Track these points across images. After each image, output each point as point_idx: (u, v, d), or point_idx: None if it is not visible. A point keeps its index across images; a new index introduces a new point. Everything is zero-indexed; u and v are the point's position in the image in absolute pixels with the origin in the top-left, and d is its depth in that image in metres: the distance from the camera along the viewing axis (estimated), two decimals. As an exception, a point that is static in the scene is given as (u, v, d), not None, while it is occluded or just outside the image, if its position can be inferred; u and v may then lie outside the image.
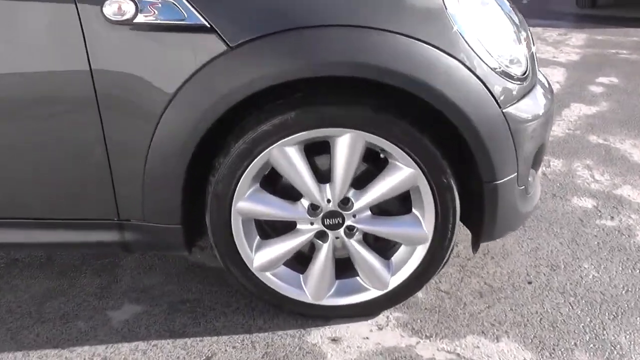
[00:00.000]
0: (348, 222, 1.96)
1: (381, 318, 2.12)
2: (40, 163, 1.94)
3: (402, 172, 1.87)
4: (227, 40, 1.72)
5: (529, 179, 2.11)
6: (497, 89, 1.84)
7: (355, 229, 1.97)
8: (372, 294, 2.07)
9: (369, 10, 1.75)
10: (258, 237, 2.02)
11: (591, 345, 1.97)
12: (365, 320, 2.11)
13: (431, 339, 2.02)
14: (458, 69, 1.78)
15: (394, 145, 1.82)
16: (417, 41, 1.75)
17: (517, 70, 1.94)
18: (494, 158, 1.85)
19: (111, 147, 1.86)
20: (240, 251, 1.99)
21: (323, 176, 1.93)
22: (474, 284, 2.30)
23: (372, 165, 1.98)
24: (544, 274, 2.35)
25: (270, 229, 2.09)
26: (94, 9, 1.72)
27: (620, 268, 2.37)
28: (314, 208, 1.95)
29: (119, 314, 2.20)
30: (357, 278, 2.08)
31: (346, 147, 1.83)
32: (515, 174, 1.94)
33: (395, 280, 2.05)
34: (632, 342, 1.98)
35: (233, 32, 1.73)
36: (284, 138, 1.81)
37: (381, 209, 2.03)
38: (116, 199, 1.95)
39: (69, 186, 1.96)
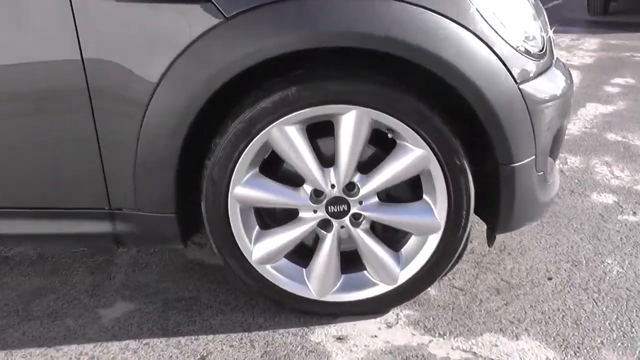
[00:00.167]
0: (354, 210, 1.82)
1: (390, 316, 1.97)
2: (25, 148, 1.81)
3: (412, 154, 1.73)
4: (222, 11, 1.60)
5: (548, 167, 1.96)
6: (512, 64, 1.71)
7: (361, 217, 1.83)
8: (380, 289, 1.92)
9: (375, -23, 1.62)
10: (258, 227, 1.89)
11: (619, 344, 1.81)
12: (373, 318, 1.96)
13: (445, 337, 1.87)
14: (471, 41, 1.65)
15: (402, 124, 1.69)
16: (427, 10, 1.62)
17: (533, 47, 1.81)
18: (510, 137, 1.71)
19: (101, 128, 1.74)
20: (238, 242, 1.85)
21: (327, 161, 1.80)
22: (490, 281, 2.14)
23: (380, 148, 1.84)
24: (565, 270, 2.19)
25: (270, 219, 1.94)
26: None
27: (647, 264, 2.22)
28: (317, 194, 1.81)
29: (110, 312, 2.06)
30: (365, 272, 1.93)
31: (351, 125, 1.69)
32: (534, 157, 1.80)
33: (405, 274, 1.90)
34: (664, 340, 1.82)
35: (229, 1, 1.60)
36: (284, 116, 1.68)
37: (389, 196, 1.89)
38: (107, 185, 1.83)
39: (57, 172, 1.83)
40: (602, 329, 1.88)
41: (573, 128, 3.70)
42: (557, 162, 2.18)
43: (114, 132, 1.73)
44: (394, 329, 1.91)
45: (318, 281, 1.90)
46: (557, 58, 2.06)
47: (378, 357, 1.79)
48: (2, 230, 1.94)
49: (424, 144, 1.71)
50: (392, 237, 1.92)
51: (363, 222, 1.84)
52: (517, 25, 1.77)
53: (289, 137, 1.71)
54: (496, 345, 1.82)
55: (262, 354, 1.82)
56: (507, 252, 2.32)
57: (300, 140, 1.73)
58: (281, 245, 1.86)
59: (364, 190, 1.79)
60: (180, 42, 1.63)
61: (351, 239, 1.87)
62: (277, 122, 1.69)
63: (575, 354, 1.77)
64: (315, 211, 1.82)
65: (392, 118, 1.68)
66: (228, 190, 1.78)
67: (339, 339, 1.88)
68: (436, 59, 1.62)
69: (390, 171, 1.76)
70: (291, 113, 1.68)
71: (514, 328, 1.89)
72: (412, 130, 1.69)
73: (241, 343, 1.88)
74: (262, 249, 1.87)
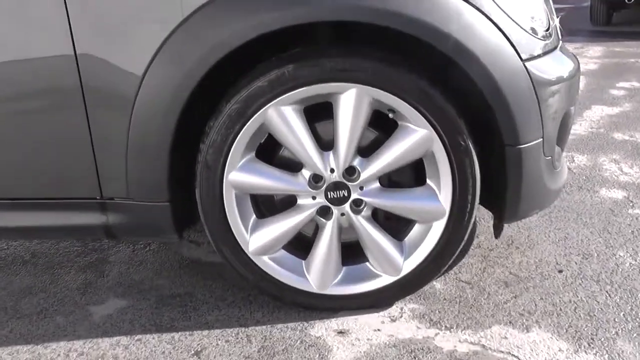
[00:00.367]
0: (354, 196, 1.74)
1: (394, 309, 1.88)
2: (12, 134, 1.75)
3: (414, 135, 1.66)
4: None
5: (555, 154, 1.88)
6: (518, 41, 1.64)
7: (362, 204, 1.75)
8: (383, 280, 1.84)
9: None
10: (254, 216, 1.81)
11: (635, 335, 1.72)
12: (376, 312, 1.87)
13: (452, 330, 1.78)
14: (475, 16, 1.59)
15: (403, 102, 1.62)
16: (427, -17, 1.56)
17: (539, 26, 1.75)
18: (517, 115, 1.64)
19: (91, 110, 1.67)
20: (234, 231, 1.78)
21: (326, 146, 1.72)
22: (498, 274, 2.05)
23: (381, 132, 1.77)
24: (576, 263, 2.10)
25: (266, 208, 1.87)
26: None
27: (661, 256, 2.13)
28: (316, 180, 1.73)
29: (102, 309, 1.98)
30: (367, 264, 1.85)
31: (350, 105, 1.62)
32: (541, 139, 1.73)
33: (409, 265, 1.81)
34: (683, 331, 1.72)
35: (223, -25, 1.55)
36: (281, 96, 1.61)
37: (391, 181, 1.81)
38: (98, 172, 1.76)
39: (46, 160, 1.76)
40: (616, 320, 1.78)
41: (579, 128, 3.63)
42: (564, 154, 2.11)
43: (105, 114, 1.67)
44: (398, 323, 1.82)
45: (318, 273, 1.82)
46: (562, 44, 2.00)
47: (381, 351, 1.70)
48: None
49: (427, 123, 1.63)
50: (394, 226, 1.84)
51: (364, 209, 1.76)
52: (522, 3, 1.71)
53: (285, 118, 1.64)
54: (506, 338, 1.73)
55: (259, 349, 1.74)
56: (514, 246, 2.23)
57: (298, 121, 1.66)
58: (279, 235, 1.78)
59: (364, 175, 1.71)
60: (172, 18, 1.57)
61: (352, 227, 1.79)
62: (273, 102, 1.62)
63: (590, 345, 1.68)
64: (314, 198, 1.74)
65: (393, 96, 1.61)
66: (223, 176, 1.70)
67: (340, 333, 1.79)
68: (437, 33, 1.55)
69: (392, 154, 1.69)
70: (288, 92, 1.61)
71: (524, 320, 1.80)
72: (414, 109, 1.62)
73: (237, 338, 1.79)
74: (259, 239, 1.79)
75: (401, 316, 1.85)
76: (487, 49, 1.59)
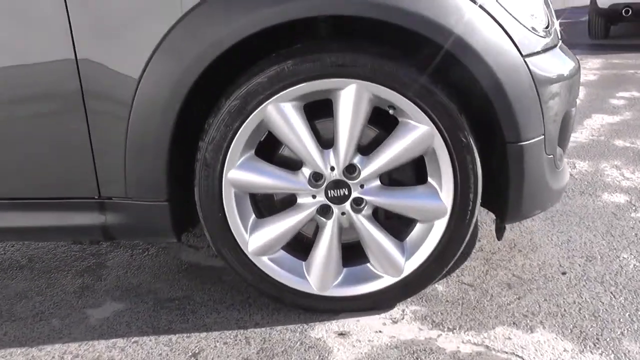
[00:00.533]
0: (355, 194, 1.72)
1: (395, 311, 1.85)
2: (9, 132, 1.73)
3: (415, 131, 1.64)
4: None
5: (557, 154, 1.87)
6: (518, 37, 1.64)
7: (363, 203, 1.73)
8: (384, 281, 1.81)
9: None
10: (254, 215, 1.78)
11: (642, 335, 1.69)
12: (377, 314, 1.84)
13: (455, 331, 1.74)
14: (475, 11, 1.58)
15: (404, 98, 1.60)
16: (428, -21, 1.55)
17: (538, 24, 1.75)
18: (517, 112, 1.62)
19: (90, 107, 1.65)
20: (233, 231, 1.75)
21: (326, 144, 1.71)
22: (500, 276, 2.02)
23: (382, 130, 1.75)
24: (579, 265, 2.07)
25: (266, 209, 1.84)
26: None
27: (666, 258, 2.10)
28: (316, 178, 1.71)
29: (99, 312, 1.95)
30: (367, 265, 1.82)
31: (350, 101, 1.61)
32: (542, 136, 1.71)
33: (410, 265, 1.79)
34: (690, 331, 1.69)
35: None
36: (280, 92, 1.60)
37: (392, 180, 1.79)
38: (96, 171, 1.73)
39: (44, 159, 1.74)
40: (621, 320, 1.75)
41: (580, 136, 3.62)
42: (565, 160, 2.09)
43: (103, 112, 1.65)
44: (400, 324, 1.79)
45: (318, 274, 1.79)
46: (562, 44, 1.99)
47: (383, 352, 1.67)
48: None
49: (428, 120, 1.62)
50: (395, 226, 1.82)
51: (365, 208, 1.74)
52: (522, 1, 1.71)
53: (285, 115, 1.63)
54: (509, 338, 1.70)
55: (258, 351, 1.70)
56: (517, 249, 2.21)
57: (298, 118, 1.64)
58: (279, 235, 1.76)
59: (365, 173, 1.69)
60: (171, 14, 1.56)
61: (353, 227, 1.76)
62: (272, 98, 1.60)
63: (595, 345, 1.65)
64: (314, 196, 1.72)
65: (393, 92, 1.59)
66: (222, 174, 1.68)
67: (341, 334, 1.76)
68: (438, 28, 1.54)
69: (393, 151, 1.67)
70: (287, 88, 1.60)
71: (528, 321, 1.77)
72: (414, 105, 1.60)
73: (236, 340, 1.76)
74: (259, 239, 1.76)
75: (403, 318, 1.82)
76: (488, 44, 1.58)
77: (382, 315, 1.83)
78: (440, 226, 1.74)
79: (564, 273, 2.02)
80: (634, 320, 1.75)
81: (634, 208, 2.52)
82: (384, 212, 1.82)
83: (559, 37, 1.97)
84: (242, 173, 1.69)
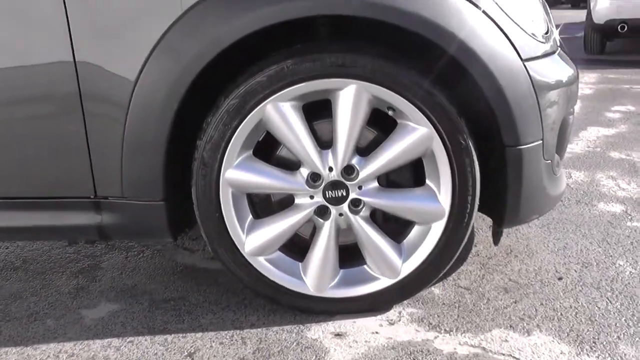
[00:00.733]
0: (353, 195, 1.72)
1: (392, 313, 1.85)
2: (6, 132, 1.72)
3: (414, 133, 1.65)
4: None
5: (555, 161, 1.88)
6: (518, 41, 1.65)
7: (361, 204, 1.73)
8: (381, 283, 1.80)
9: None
10: (251, 216, 1.78)
11: (637, 339, 1.69)
12: (374, 316, 1.84)
13: (451, 333, 1.74)
14: (475, 14, 1.60)
15: (403, 100, 1.61)
16: (428, -19, 1.56)
17: (538, 29, 1.76)
18: (517, 115, 1.63)
19: (87, 107, 1.65)
20: (230, 231, 1.75)
21: (324, 145, 1.71)
22: (497, 280, 2.02)
23: (380, 132, 1.76)
24: (575, 271, 2.07)
25: (262, 211, 1.84)
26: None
27: (661, 265, 2.10)
28: (314, 179, 1.71)
29: (94, 312, 1.94)
30: (364, 266, 1.82)
31: (350, 102, 1.62)
32: (541, 141, 1.72)
33: (407, 267, 1.79)
34: (686, 336, 1.69)
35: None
36: (280, 91, 1.60)
37: (390, 182, 1.79)
38: (93, 171, 1.73)
39: (40, 159, 1.74)
40: (617, 324, 1.75)
41: (576, 147, 3.63)
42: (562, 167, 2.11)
43: (101, 111, 1.65)
44: (397, 326, 1.78)
45: (315, 275, 1.79)
46: (561, 51, 2.01)
47: (380, 353, 1.66)
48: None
49: (427, 121, 1.62)
50: (393, 228, 1.82)
51: (363, 209, 1.74)
52: (521, 5, 1.72)
53: (284, 114, 1.63)
54: (506, 341, 1.69)
55: (254, 351, 1.69)
56: (513, 254, 2.21)
57: (296, 118, 1.64)
58: (276, 235, 1.76)
59: (363, 174, 1.70)
60: (171, 12, 1.57)
61: (350, 228, 1.76)
62: (271, 97, 1.61)
63: (592, 349, 1.65)
64: (312, 197, 1.72)
65: (392, 93, 1.60)
66: (220, 174, 1.69)
67: (338, 335, 1.75)
68: (437, 29, 1.55)
69: (392, 152, 1.67)
70: (287, 88, 1.60)
71: (525, 324, 1.77)
72: (414, 107, 1.61)
73: (232, 340, 1.75)
74: (256, 239, 1.76)
75: (399, 320, 1.81)
76: (488, 47, 1.59)
77: (379, 316, 1.83)
78: (437, 229, 1.75)
79: (560, 278, 2.03)
80: (630, 325, 1.75)
81: (629, 217, 2.53)
82: (382, 214, 1.82)
83: (558, 44, 1.98)
84: (239, 173, 1.69)
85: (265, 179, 1.71)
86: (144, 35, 1.58)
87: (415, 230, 1.79)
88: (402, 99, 1.61)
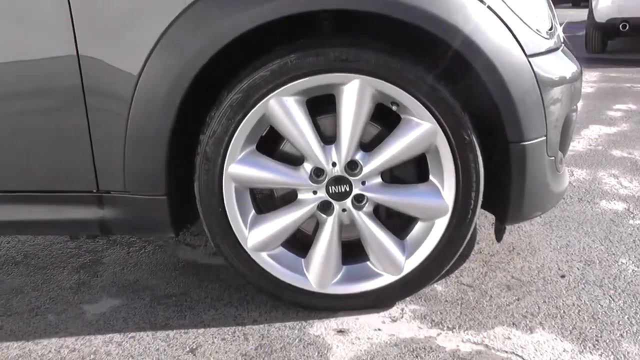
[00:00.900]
0: (356, 191, 1.71)
1: (394, 310, 1.84)
2: (9, 125, 1.71)
3: (418, 128, 1.64)
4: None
5: (558, 158, 1.87)
6: (522, 37, 1.64)
7: (364, 200, 1.72)
8: (384, 280, 1.80)
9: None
10: (254, 211, 1.77)
11: (641, 337, 1.68)
12: (377, 312, 1.83)
13: (454, 330, 1.74)
14: (480, 9, 1.59)
15: (407, 95, 1.60)
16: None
17: (542, 25, 1.76)
18: (521, 111, 1.62)
19: (90, 102, 1.64)
20: (232, 226, 1.74)
21: (328, 141, 1.70)
22: (500, 278, 2.02)
23: (384, 128, 1.75)
24: (578, 269, 2.07)
25: (265, 207, 1.83)
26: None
27: (664, 264, 2.10)
28: (317, 174, 1.71)
29: (95, 308, 1.93)
30: (367, 263, 1.81)
31: (353, 97, 1.61)
32: (545, 137, 1.71)
33: (410, 264, 1.78)
34: (690, 334, 1.69)
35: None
36: (283, 86, 1.60)
37: (394, 177, 1.79)
38: (95, 165, 1.72)
39: (43, 153, 1.73)
40: (620, 322, 1.75)
41: (578, 146, 3.63)
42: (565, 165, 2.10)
43: (103, 104, 1.64)
44: (399, 323, 1.78)
45: (318, 271, 1.78)
46: (565, 48, 2.00)
47: (382, 350, 1.66)
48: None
49: (431, 117, 1.62)
50: (396, 224, 1.81)
51: (366, 205, 1.73)
52: (526, 1, 1.72)
53: (287, 109, 1.62)
54: (509, 338, 1.69)
55: (256, 347, 1.69)
56: (516, 252, 2.20)
57: (300, 113, 1.64)
58: (279, 230, 1.75)
59: (367, 169, 1.69)
60: (174, 7, 1.56)
61: (353, 224, 1.75)
62: (275, 92, 1.60)
63: (594, 346, 1.64)
64: (315, 192, 1.72)
65: (396, 88, 1.60)
66: (223, 168, 1.68)
67: (340, 332, 1.75)
68: (442, 24, 1.54)
69: (395, 147, 1.67)
70: (290, 82, 1.59)
71: (528, 322, 1.76)
72: (418, 102, 1.60)
73: (234, 336, 1.74)
74: (259, 235, 1.75)
75: (402, 316, 1.81)
76: (493, 43, 1.58)
77: (381, 313, 1.83)
78: (441, 225, 1.74)
79: (562, 276, 2.02)
80: (633, 323, 1.74)
81: (632, 215, 2.52)
82: (385, 210, 1.82)
83: (562, 40, 1.98)
84: (243, 168, 1.68)
85: (268, 173, 1.70)
86: (147, 30, 1.58)
87: (418, 227, 1.78)
88: (406, 94, 1.60)
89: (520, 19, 1.65)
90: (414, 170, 1.79)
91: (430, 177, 1.72)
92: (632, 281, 1.98)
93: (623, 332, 1.70)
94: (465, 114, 1.63)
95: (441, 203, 1.71)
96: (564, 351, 1.63)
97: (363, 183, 1.71)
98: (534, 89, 1.64)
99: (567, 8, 19.74)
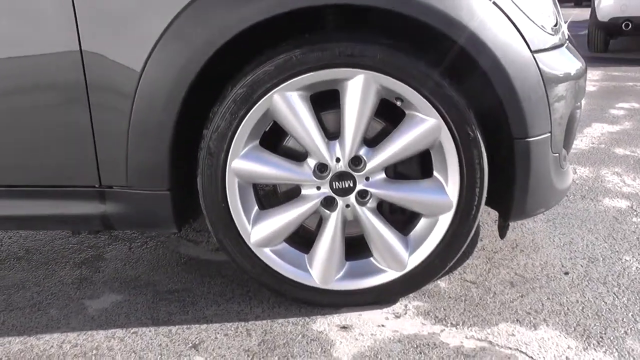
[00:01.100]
0: (360, 187, 1.71)
1: (398, 306, 1.84)
2: (11, 120, 1.71)
3: (423, 124, 1.63)
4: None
5: (562, 155, 1.86)
6: (527, 33, 1.63)
7: (368, 195, 1.72)
8: (387, 276, 1.79)
9: None
10: (257, 207, 1.77)
11: (645, 334, 1.68)
12: (380, 309, 1.83)
13: (458, 327, 1.73)
14: (485, 5, 1.58)
15: (412, 90, 1.59)
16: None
17: (547, 21, 1.75)
18: (525, 107, 1.62)
19: (92, 92, 1.64)
20: (235, 221, 1.73)
21: (332, 137, 1.70)
22: (503, 275, 2.01)
23: (388, 123, 1.74)
24: (582, 266, 2.06)
25: (268, 202, 1.82)
26: None
27: (668, 261, 2.09)
28: (321, 170, 1.70)
29: (97, 303, 1.93)
30: (371, 259, 1.81)
31: (358, 92, 1.60)
32: (549, 134, 1.70)
33: (414, 260, 1.77)
34: (694, 331, 1.68)
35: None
36: (288, 81, 1.59)
37: (397, 173, 1.78)
38: (98, 160, 1.71)
39: (44, 147, 1.72)
40: (625, 319, 1.74)
41: (580, 144, 3.62)
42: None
43: (106, 96, 1.63)
44: (403, 319, 1.77)
45: (321, 267, 1.77)
46: (569, 45, 2.00)
47: (386, 346, 1.65)
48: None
49: (435, 112, 1.61)
50: (400, 220, 1.81)
51: (370, 201, 1.72)
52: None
53: (292, 104, 1.62)
54: (513, 335, 1.68)
55: (259, 343, 1.68)
56: (519, 249, 2.20)
57: (304, 108, 1.63)
58: (282, 226, 1.74)
59: (370, 165, 1.68)
60: (178, 1, 1.55)
61: (357, 220, 1.75)
62: (279, 87, 1.59)
63: (599, 343, 1.64)
64: (318, 188, 1.71)
65: (401, 84, 1.59)
66: (226, 163, 1.67)
67: (343, 328, 1.74)
68: (448, 20, 1.53)
69: (400, 143, 1.66)
70: (295, 77, 1.59)
71: (532, 318, 1.76)
72: (422, 98, 1.60)
73: (237, 332, 1.74)
74: (262, 230, 1.75)
75: (405, 313, 1.80)
76: (498, 38, 1.57)
77: (385, 309, 1.82)
78: (445, 221, 1.73)
79: (566, 273, 2.01)
80: (637, 320, 1.74)
81: (635, 213, 2.52)
82: (389, 206, 1.81)
83: (566, 37, 1.97)
84: (246, 163, 1.68)
85: (271, 169, 1.70)
86: (151, 24, 1.57)
87: (422, 223, 1.78)
88: (410, 89, 1.59)
89: (526, 15, 1.64)
90: (417, 166, 1.78)
91: (435, 173, 1.72)
92: (635, 278, 1.97)
93: (627, 329, 1.70)
94: (470, 110, 1.63)
95: (445, 199, 1.70)
96: (568, 348, 1.62)
97: (367, 179, 1.70)
98: (539, 85, 1.63)
99: (570, 7, 19.72)
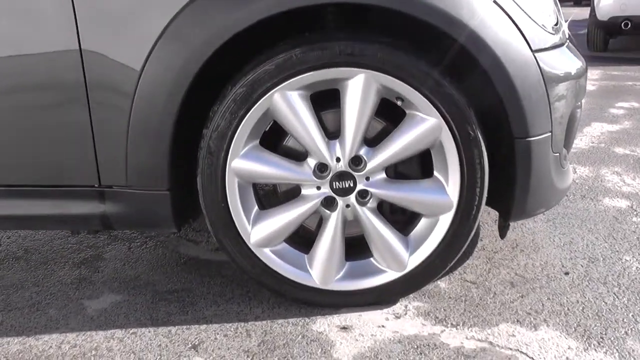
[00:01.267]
0: (360, 187, 1.70)
1: (398, 307, 1.83)
2: (10, 120, 1.70)
3: (423, 124, 1.63)
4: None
5: (562, 154, 1.86)
6: (528, 32, 1.63)
7: (368, 195, 1.71)
8: (387, 276, 1.79)
9: None
10: (257, 206, 1.76)
11: (646, 335, 1.67)
12: (380, 309, 1.82)
13: (458, 327, 1.73)
14: (485, 4, 1.58)
15: (413, 90, 1.59)
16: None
17: (547, 20, 1.74)
18: (526, 107, 1.61)
19: (92, 91, 1.63)
20: (235, 221, 1.73)
21: (332, 136, 1.69)
22: (503, 275, 2.01)
23: (388, 122, 1.74)
24: (582, 266, 2.06)
25: (268, 202, 1.82)
26: None
27: (669, 261, 2.09)
28: (321, 170, 1.69)
29: (96, 303, 1.92)
30: (371, 259, 1.80)
31: (358, 91, 1.59)
32: (550, 133, 1.70)
33: (414, 260, 1.77)
34: (695, 331, 1.68)
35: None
36: (288, 80, 1.58)
37: (398, 173, 1.78)
38: (97, 160, 1.71)
39: (43, 147, 1.71)
40: (625, 320, 1.74)
41: (580, 143, 3.62)
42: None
43: (105, 96, 1.63)
44: (403, 320, 1.77)
45: (321, 267, 1.77)
46: (570, 44, 1.99)
47: (386, 346, 1.65)
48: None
49: (436, 112, 1.60)
50: (400, 220, 1.80)
51: (370, 201, 1.72)
52: (532, -1, 1.70)
53: (292, 103, 1.61)
54: (513, 335, 1.68)
55: (259, 343, 1.68)
56: (519, 249, 2.19)
57: (304, 107, 1.62)
58: (282, 226, 1.74)
59: (371, 164, 1.68)
60: (177, 0, 1.55)
61: (357, 220, 1.74)
62: (279, 86, 1.59)
63: (599, 344, 1.63)
64: (318, 188, 1.70)
65: (402, 83, 1.58)
66: (226, 163, 1.67)
67: (343, 328, 1.74)
68: (448, 18, 1.53)
69: (400, 143, 1.65)
70: (295, 77, 1.58)
71: (532, 319, 1.75)
72: (423, 97, 1.59)
73: (236, 332, 1.73)
74: (262, 230, 1.74)
75: (406, 313, 1.80)
76: (498, 37, 1.57)
77: (385, 310, 1.81)
78: (445, 221, 1.73)
79: (566, 273, 2.01)
80: (638, 321, 1.73)
81: (635, 213, 2.51)
82: (389, 206, 1.81)
83: (567, 36, 1.96)
84: (246, 162, 1.67)
85: (271, 168, 1.69)
86: (150, 23, 1.56)
87: (422, 223, 1.77)
88: (411, 89, 1.59)
89: (526, 14, 1.64)
90: (418, 166, 1.78)
91: (435, 173, 1.71)
92: (636, 278, 1.97)
93: (628, 330, 1.69)
94: (471, 109, 1.62)
95: (445, 199, 1.70)
96: (568, 348, 1.62)
97: (367, 179, 1.70)
98: (539, 85, 1.63)
99: (569, 6, 19.72)
